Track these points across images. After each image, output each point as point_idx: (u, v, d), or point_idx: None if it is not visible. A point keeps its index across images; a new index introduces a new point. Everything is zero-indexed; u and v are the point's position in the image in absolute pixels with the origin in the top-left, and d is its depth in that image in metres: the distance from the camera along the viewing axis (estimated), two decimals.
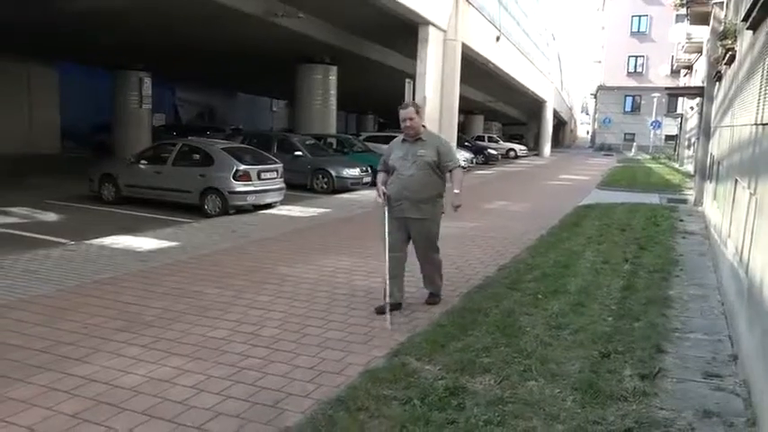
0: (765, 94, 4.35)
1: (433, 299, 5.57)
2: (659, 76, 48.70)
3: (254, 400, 3.55)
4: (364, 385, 3.66)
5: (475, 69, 24.94)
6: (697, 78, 26.97)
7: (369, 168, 15.80)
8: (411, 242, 5.38)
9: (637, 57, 54.25)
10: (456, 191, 5.20)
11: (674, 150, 39.99)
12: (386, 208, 5.21)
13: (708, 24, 16.30)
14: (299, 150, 16.35)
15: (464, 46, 20.53)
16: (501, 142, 41.29)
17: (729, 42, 8.99)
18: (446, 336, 4.56)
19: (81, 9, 15.00)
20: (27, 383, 3.68)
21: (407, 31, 18.11)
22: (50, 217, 10.54)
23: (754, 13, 5.08)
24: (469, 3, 21.28)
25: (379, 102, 35.06)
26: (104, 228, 9.16)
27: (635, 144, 50.49)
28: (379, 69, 24.04)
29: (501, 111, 48.29)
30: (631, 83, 54.54)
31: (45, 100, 25.48)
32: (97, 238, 8.29)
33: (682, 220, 11.34)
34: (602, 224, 10.40)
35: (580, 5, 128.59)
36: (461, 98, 21.17)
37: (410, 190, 5.15)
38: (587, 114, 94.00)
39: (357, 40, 20.70)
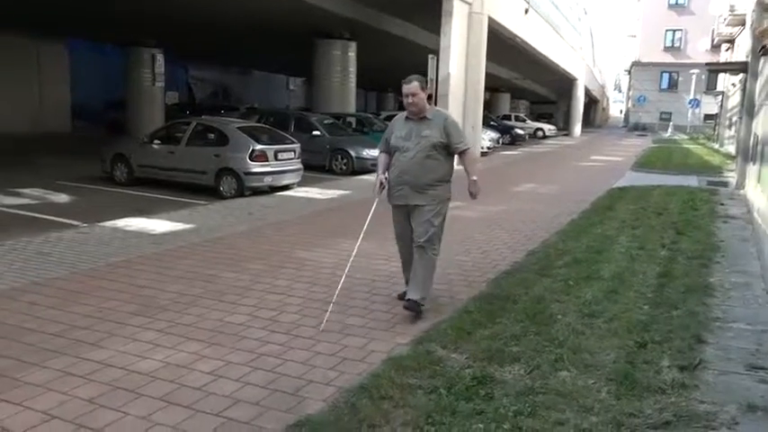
0: None
1: (411, 305, 4.73)
2: (698, 51, 47.55)
3: (274, 387, 3.58)
4: (388, 373, 3.66)
5: (502, 44, 24.60)
6: (740, 53, 26.34)
7: None
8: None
9: (674, 30, 52.99)
10: (474, 177, 4.85)
11: (714, 130, 39.25)
12: (377, 198, 4.92)
13: None
14: (317, 130, 16.35)
15: (490, 19, 20.24)
16: (528, 121, 41.18)
17: None
18: (473, 323, 4.54)
19: None
20: (42, 368, 3.75)
21: (430, 4, 17.88)
22: (62, 198, 10.68)
23: None
24: None
25: (400, 79, 34.59)
26: (117, 210, 9.27)
27: (671, 124, 49.63)
28: (401, 45, 23.83)
29: (529, 88, 47.77)
30: (668, 58, 53.39)
31: (55, 78, 25.75)
32: (110, 220, 8.39)
33: (722, 204, 11.15)
34: (637, 208, 10.28)
35: None
36: (487, 75, 20.90)
37: (411, 174, 4.76)
38: (620, 92, 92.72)
39: (377, 14, 20.52)
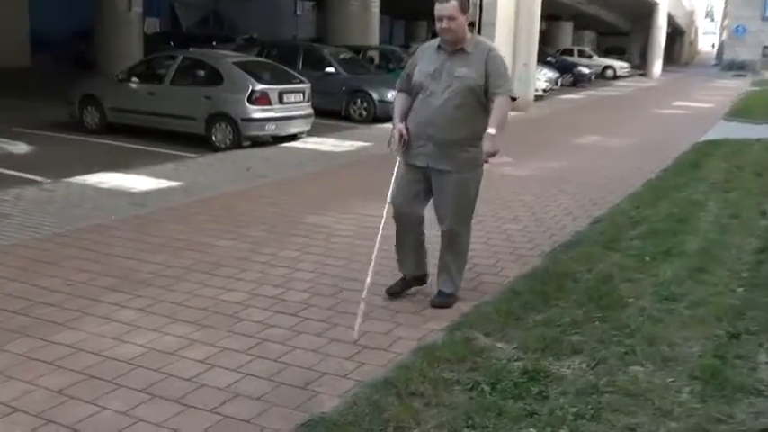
0: None
1: (444, 301, 4.71)
2: None
3: (280, 379, 3.63)
4: (418, 365, 3.69)
5: None
6: None
7: None
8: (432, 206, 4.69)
9: None
10: (491, 130, 4.29)
11: None
12: (398, 156, 4.56)
13: None
14: (332, 66, 16.29)
15: None
16: (595, 58, 40.80)
17: None
18: (523, 306, 4.55)
19: None
20: (2, 351, 3.84)
21: None
22: (21, 148, 10.81)
23: None
24: None
25: (433, 4, 34.40)
26: (88, 163, 9.35)
27: None
28: None
29: (596, 16, 46.91)
30: None
31: (10, 1, 25.80)
32: (79, 175, 8.49)
33: None
34: (730, 166, 10.17)
35: None
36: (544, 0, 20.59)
37: (437, 127, 4.37)
38: (713, 21, 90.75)
39: None
